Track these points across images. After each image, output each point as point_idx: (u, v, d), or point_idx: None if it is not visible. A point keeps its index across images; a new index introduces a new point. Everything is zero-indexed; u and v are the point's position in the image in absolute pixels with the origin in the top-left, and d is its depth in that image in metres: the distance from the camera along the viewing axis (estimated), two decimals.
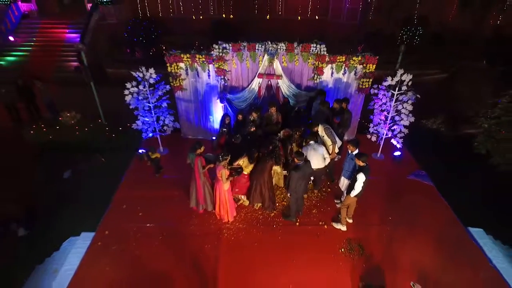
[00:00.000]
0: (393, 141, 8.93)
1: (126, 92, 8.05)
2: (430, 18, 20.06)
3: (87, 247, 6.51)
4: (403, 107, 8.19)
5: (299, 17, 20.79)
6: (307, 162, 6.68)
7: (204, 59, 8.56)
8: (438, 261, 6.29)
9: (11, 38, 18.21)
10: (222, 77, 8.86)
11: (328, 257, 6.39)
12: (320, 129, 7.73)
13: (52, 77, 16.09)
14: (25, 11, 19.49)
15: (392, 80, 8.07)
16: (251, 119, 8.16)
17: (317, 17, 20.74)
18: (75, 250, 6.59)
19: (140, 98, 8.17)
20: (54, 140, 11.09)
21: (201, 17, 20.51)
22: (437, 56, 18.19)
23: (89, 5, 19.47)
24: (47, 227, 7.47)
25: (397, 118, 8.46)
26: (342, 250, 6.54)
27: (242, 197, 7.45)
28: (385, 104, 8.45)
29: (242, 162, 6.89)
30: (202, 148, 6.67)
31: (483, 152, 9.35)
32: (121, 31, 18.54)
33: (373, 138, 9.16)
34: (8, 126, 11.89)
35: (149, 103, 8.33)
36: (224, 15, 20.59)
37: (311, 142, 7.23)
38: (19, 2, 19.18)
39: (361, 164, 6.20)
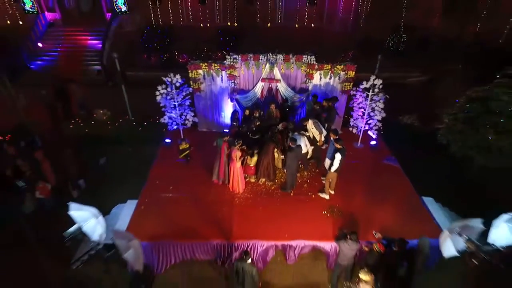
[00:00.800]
0: (370, 133, 11.07)
1: (157, 93, 10.22)
2: (416, 25, 22.22)
3: (133, 210, 8.66)
4: (376, 105, 10.34)
5: (296, 25, 22.97)
6: (298, 146, 8.84)
7: (218, 67, 10.71)
8: (395, 218, 8.44)
9: (39, 45, 20.40)
10: (232, 81, 11.01)
11: (314, 217, 8.52)
12: (310, 123, 9.88)
13: (78, 79, 18.27)
14: (51, 20, 21.67)
15: (367, 83, 10.21)
16: (256, 115, 10.30)
17: (312, 24, 22.91)
18: (124, 213, 8.74)
19: (168, 98, 10.32)
20: (90, 133, 13.27)
21: (208, 25, 22.68)
22: (421, 60, 20.31)
23: (108, 15, 21.61)
24: (98, 197, 9.63)
25: (372, 114, 10.60)
26: (325, 212, 8.68)
27: (250, 176, 9.64)
28: (361, 102, 10.60)
29: (250, 160, 9.15)
30: (228, 137, 8.86)
31: (444, 142, 11.45)
32: (137, 38, 20.71)
33: (354, 130, 11.30)
34: (49, 123, 14.00)
35: (175, 102, 10.48)
36: (229, 23, 22.75)
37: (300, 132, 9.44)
38: (46, 12, 21.38)
39: (338, 146, 8.35)
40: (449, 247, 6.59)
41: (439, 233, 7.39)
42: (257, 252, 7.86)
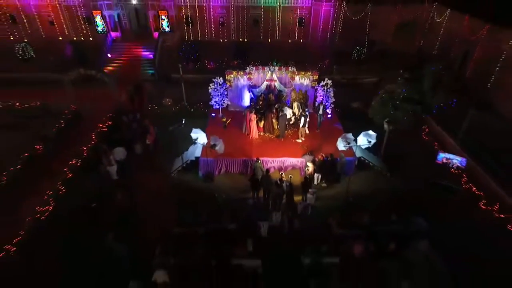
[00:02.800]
0: (328, 110, 19.19)
1: (210, 87, 18.40)
2: (376, 41, 30.32)
3: (201, 147, 16.82)
4: (329, 96, 18.47)
5: (289, 40, 31.11)
6: (284, 114, 17.08)
7: (242, 73, 18.83)
8: (333, 148, 16.54)
9: (109, 55, 28.53)
10: (249, 81, 19.13)
11: (292, 149, 16.68)
12: (296, 104, 18.06)
13: (138, 80, 26.36)
14: (114, 37, 29.81)
15: (324, 81, 18.34)
16: (261, 99, 18.41)
17: (301, 40, 31.05)
18: (196, 149, 16.90)
19: (215, 90, 18.48)
20: (162, 113, 21.39)
21: (226, 40, 30.81)
22: (376, 67, 28.29)
23: (155, 33, 29.69)
24: (175, 145, 17.77)
25: (327, 99, 18.73)
26: (300, 146, 16.85)
27: (260, 131, 17.79)
28: (321, 94, 18.73)
29: (260, 123, 17.28)
30: (249, 110, 17.03)
31: (371, 116, 19.55)
32: (176, 50, 28.82)
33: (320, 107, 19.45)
34: (135, 106, 22.01)
35: (218, 92, 18.63)
36: (240, 39, 30.87)
37: (286, 107, 17.68)
38: (111, 32, 29.51)
39: (304, 113, 16.53)
40: (340, 145, 14.67)
41: (352, 154, 15.59)
42: (263, 165, 16.03)
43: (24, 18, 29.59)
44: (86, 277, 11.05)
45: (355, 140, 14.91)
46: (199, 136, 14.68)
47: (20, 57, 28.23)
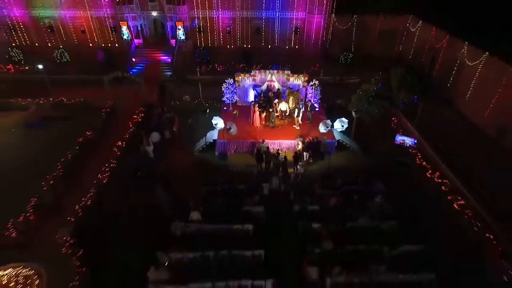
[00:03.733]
0: (315, 105, 23.89)
1: (223, 86, 23.12)
2: (361, 47, 34.98)
3: (217, 133, 21.57)
4: (316, 93, 23.18)
5: (286, 46, 35.81)
6: (272, 112, 21.80)
7: (248, 75, 23.55)
8: (317, 132, 21.25)
9: (133, 59, 33.23)
10: (254, 81, 23.84)
11: (288, 134, 21.40)
12: (290, 99, 22.77)
13: (159, 80, 31.04)
14: (137, 44, 34.52)
15: (313, 82, 23.05)
16: (263, 96, 23.12)
17: (296, 46, 35.75)
18: (213, 134, 21.65)
19: (227, 88, 23.21)
20: (182, 107, 26.12)
21: (232, 47, 35.52)
22: (360, 69, 32.86)
23: (172, 41, 34.37)
24: (195, 132, 22.52)
25: (315, 96, 23.44)
26: (296, 128, 21.59)
27: (262, 121, 22.52)
28: (310, 92, 23.44)
29: (262, 114, 22.00)
30: (254, 103, 21.78)
31: (350, 110, 24.24)
32: (190, 55, 33.53)
33: (309, 104, 24.16)
34: (159, 103, 26.72)
35: (229, 90, 23.36)
36: (245, 45, 35.56)
37: (283, 102, 22.43)
38: (135, 39, 34.22)
39: (298, 107, 21.28)
40: (321, 128, 19.44)
41: (333, 137, 20.34)
42: (273, 145, 20.74)
43: (60, 27, 34.26)
44: (139, 220, 15.82)
45: (332, 125, 19.69)
46: (218, 122, 19.46)
47: (58, 61, 32.99)
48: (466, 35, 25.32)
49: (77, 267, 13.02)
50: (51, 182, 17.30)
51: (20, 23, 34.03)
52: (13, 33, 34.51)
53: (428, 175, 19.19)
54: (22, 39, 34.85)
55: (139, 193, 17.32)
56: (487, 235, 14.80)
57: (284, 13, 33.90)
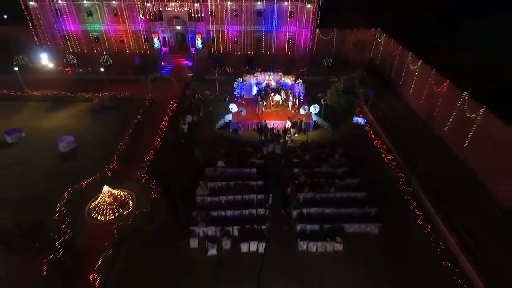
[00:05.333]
0: (301, 97, 32.49)
1: (234, 84, 31.74)
2: (340, 53, 43.55)
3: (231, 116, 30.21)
4: (301, 90, 31.79)
5: (281, 53, 44.40)
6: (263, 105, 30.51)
7: (253, 75, 32.14)
8: (300, 116, 29.86)
9: (162, 63, 41.82)
10: (256, 80, 32.43)
11: (282, 116, 30.00)
12: (283, 93, 31.39)
13: (181, 79, 39.61)
14: (164, 51, 43.13)
15: (298, 80, 31.66)
16: (263, 93, 31.71)
17: (289, 53, 44.33)
18: (228, 117, 30.31)
19: (237, 85, 31.82)
20: (204, 99, 34.73)
21: (238, 53, 44.11)
22: (339, 72, 41.32)
23: (192, 49, 42.95)
24: (215, 116, 31.18)
25: (300, 90, 32.05)
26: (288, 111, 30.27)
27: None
28: (297, 88, 32.03)
29: (264, 106, 30.69)
30: (258, 96, 30.44)
31: (325, 102, 32.81)
32: (206, 60, 42.11)
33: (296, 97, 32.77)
34: (187, 96, 35.32)
35: (239, 86, 31.98)
36: (249, 52, 44.14)
37: (277, 95, 31.14)
38: (163, 47, 42.82)
39: (288, 98, 29.94)
40: (301, 111, 28.17)
41: (310, 119, 29.00)
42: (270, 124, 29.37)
43: (104, 38, 42.84)
44: (185, 166, 24.50)
45: (309, 108, 28.42)
46: (233, 107, 28.15)
47: (104, 64, 41.55)
48: (410, 46, 33.97)
49: (153, 189, 21.67)
50: (123, 145, 26.02)
51: (74, 35, 42.62)
52: (68, 42, 43.11)
53: (375, 143, 27.82)
54: (75, 47, 43.47)
55: (184, 152, 25.99)
56: (400, 174, 23.47)
57: (280, 28, 42.50)
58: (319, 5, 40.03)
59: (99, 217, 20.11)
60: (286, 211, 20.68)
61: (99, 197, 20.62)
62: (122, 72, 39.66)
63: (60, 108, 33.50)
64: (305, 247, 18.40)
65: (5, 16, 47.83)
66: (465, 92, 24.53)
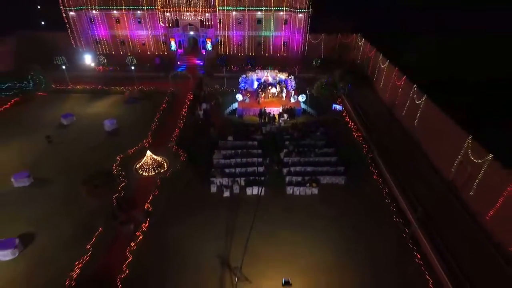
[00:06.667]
0: (292, 90, 39.78)
1: (240, 79, 39.07)
2: (327, 55, 50.81)
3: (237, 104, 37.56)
4: (292, 83, 39.09)
5: (278, 54, 51.69)
6: (272, 90, 37.84)
7: (254, 72, 39.42)
8: (291, 103, 37.18)
9: (178, 63, 49.11)
10: (257, 76, 39.72)
11: (277, 104, 37.32)
12: (278, 86, 38.72)
13: (195, 76, 46.88)
14: (179, 52, 50.43)
15: (290, 76, 38.96)
16: (262, 87, 38.99)
17: (284, 54, 51.62)
18: (233, 105, 37.66)
19: (242, 80, 39.13)
20: (214, 92, 42.07)
21: (242, 54, 51.40)
22: (326, 70, 48.49)
23: (203, 50, 50.24)
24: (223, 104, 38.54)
25: (292, 84, 39.35)
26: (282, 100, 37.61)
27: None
28: (289, 83, 39.33)
29: (263, 94, 38.01)
30: (259, 88, 37.79)
31: (312, 93, 40.10)
32: (215, 60, 49.38)
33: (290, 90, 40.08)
34: (201, 89, 42.63)
35: (243, 81, 39.29)
36: (250, 53, 51.43)
37: (274, 87, 38.51)
38: (178, 49, 50.12)
39: (282, 90, 37.31)
40: (292, 99, 35.59)
41: (299, 106, 36.35)
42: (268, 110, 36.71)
43: (129, 41, 50.14)
44: (204, 140, 31.89)
45: (298, 97, 35.77)
46: (239, 96, 35.48)
47: (129, 64, 48.82)
48: (381, 49, 41.33)
49: (181, 155, 29.04)
50: (154, 125, 33.44)
51: (104, 39, 49.94)
52: (98, 45, 50.42)
53: (349, 125, 35.16)
54: (104, 49, 50.78)
55: (201, 131, 33.35)
56: (364, 145, 30.82)
57: (276, 33, 49.79)
58: (309, 14, 47.26)
59: (143, 173, 27.50)
60: (278, 167, 28.07)
61: (143, 160, 28.01)
62: (145, 70, 46.92)
63: (98, 99, 40.81)
64: (291, 191, 25.77)
65: (43, 23, 55.14)
66: (415, 85, 31.84)
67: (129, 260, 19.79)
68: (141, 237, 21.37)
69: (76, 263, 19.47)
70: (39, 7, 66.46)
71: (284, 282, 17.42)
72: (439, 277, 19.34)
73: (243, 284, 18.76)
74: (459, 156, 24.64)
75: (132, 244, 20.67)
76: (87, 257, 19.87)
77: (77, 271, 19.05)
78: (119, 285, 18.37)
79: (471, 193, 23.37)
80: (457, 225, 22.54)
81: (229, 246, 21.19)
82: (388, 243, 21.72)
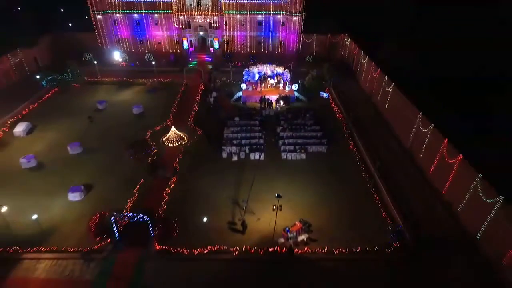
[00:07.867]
0: (287, 81, 46.58)
1: (244, 72, 45.92)
2: (319, 53, 57.57)
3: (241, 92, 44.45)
4: (288, 75, 45.91)
5: (276, 52, 58.47)
6: (270, 81, 44.75)
7: (256, 66, 46.22)
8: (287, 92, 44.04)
9: (190, 59, 55.95)
10: (258, 69, 46.54)
11: (275, 92, 44.19)
12: (276, 77, 45.58)
13: (204, 71, 53.71)
14: (191, 50, 57.26)
15: (286, 70, 45.78)
16: (262, 78, 45.82)
17: (282, 51, 58.41)
18: (238, 94, 44.57)
19: (245, 74, 45.97)
20: (222, 83, 48.91)
21: (244, 52, 58.22)
22: (319, 65, 55.16)
23: (211, 49, 57.04)
24: (228, 95, 45.44)
25: (287, 76, 46.17)
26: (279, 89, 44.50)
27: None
28: (286, 76, 46.13)
29: (263, 85, 44.88)
30: (258, 80, 44.70)
31: (305, 84, 46.88)
32: (221, 56, 56.19)
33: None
34: (211, 81, 49.49)
35: (246, 74, 46.12)
36: (252, 51, 58.23)
37: (271, 79, 45.40)
38: (190, 47, 56.95)
39: (279, 82, 44.22)
40: (287, 88, 42.54)
41: (293, 94, 43.24)
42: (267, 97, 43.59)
43: (147, 40, 56.97)
44: (215, 120, 38.88)
45: (292, 86, 42.70)
46: (243, 86, 42.39)
47: (148, 60, 55.63)
48: (364, 48, 48.17)
49: (198, 131, 36.00)
50: (173, 109, 40.38)
51: (125, 39, 56.79)
52: (120, 44, 57.27)
53: (334, 110, 42.03)
54: (125, 47, 57.63)
55: (213, 113, 40.25)
56: (344, 124, 37.73)
57: (274, 33, 56.63)
58: (302, 17, 54.02)
59: (169, 144, 34.46)
60: (275, 139, 35.09)
61: (168, 134, 34.95)
62: (162, 65, 53.78)
63: (124, 89, 47.69)
64: (285, 157, 32.72)
65: (70, 24, 61.94)
66: (386, 75, 38.72)
67: (166, 199, 26.79)
68: (173, 185, 28.37)
69: (128, 200, 26.49)
70: (62, 10, 73.09)
71: (277, 195, 22.97)
72: (391, 213, 26.26)
73: (248, 215, 25.71)
74: (414, 129, 31.60)
75: (167, 189, 27.66)
76: (134, 197, 26.86)
77: (129, 205, 26.06)
78: (161, 214, 25.38)
79: (421, 155, 30.35)
80: (408, 177, 29.54)
81: (238, 191, 28.15)
82: (356, 189, 28.69)
